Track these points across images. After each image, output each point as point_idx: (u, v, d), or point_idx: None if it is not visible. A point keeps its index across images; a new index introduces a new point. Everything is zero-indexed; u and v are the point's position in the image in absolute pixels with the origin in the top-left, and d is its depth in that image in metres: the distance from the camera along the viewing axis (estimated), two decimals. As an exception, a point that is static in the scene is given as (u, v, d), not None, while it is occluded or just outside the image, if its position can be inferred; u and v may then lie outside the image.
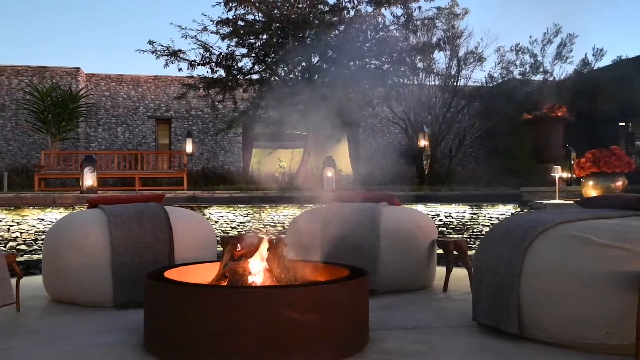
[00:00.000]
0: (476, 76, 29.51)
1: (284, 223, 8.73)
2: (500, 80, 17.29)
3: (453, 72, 16.70)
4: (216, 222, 8.77)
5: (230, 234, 8.42)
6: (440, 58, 17.08)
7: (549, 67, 16.74)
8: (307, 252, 4.60)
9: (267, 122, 14.62)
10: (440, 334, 3.58)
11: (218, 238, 6.47)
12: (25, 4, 47.71)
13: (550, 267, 3.29)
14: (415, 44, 14.56)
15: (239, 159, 19.78)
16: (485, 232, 8.33)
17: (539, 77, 16.82)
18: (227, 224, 8.86)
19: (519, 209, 8.20)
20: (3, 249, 7.61)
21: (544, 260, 3.34)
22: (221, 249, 5.61)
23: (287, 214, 8.88)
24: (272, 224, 8.86)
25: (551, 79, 16.60)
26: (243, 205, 9.12)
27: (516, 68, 17.05)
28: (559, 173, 7.92)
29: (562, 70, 16.87)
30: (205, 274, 3.71)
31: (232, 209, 9.05)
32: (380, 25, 13.82)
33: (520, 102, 15.02)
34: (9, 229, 8.33)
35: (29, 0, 48.21)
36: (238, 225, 8.82)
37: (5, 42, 47.10)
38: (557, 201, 7.63)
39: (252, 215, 8.97)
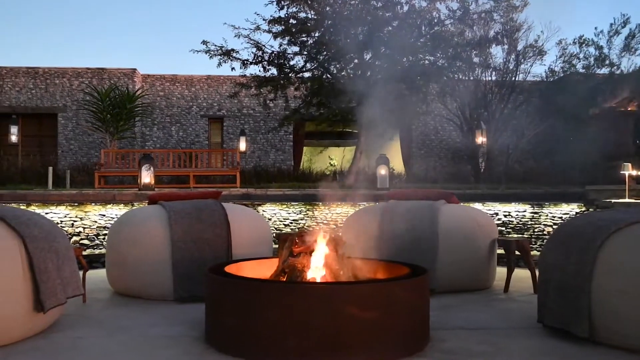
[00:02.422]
0: (536, 70, 28.50)
1: (337, 220, 8.72)
2: (561, 75, 16.66)
3: (511, 67, 16.22)
4: (270, 219, 8.85)
5: (283, 231, 8.49)
6: (497, 52, 16.56)
7: (616, 60, 15.97)
8: (364, 250, 4.55)
9: (319, 120, 14.64)
10: (505, 335, 3.46)
11: (273, 235, 6.50)
12: (84, 7, 49.70)
13: (624, 267, 3.12)
14: (472, 38, 14.24)
15: (290, 157, 19.91)
16: (548, 232, 8.06)
17: (604, 70, 16.08)
18: (281, 221, 8.92)
19: (584, 209, 7.88)
20: (68, 243, 7.88)
21: (617, 260, 3.17)
22: (277, 246, 5.63)
23: (340, 211, 8.86)
24: (325, 221, 8.86)
25: (618, 72, 15.84)
26: (296, 203, 9.16)
27: (579, 61, 16.36)
28: (629, 170, 7.52)
29: (631, 63, 16.03)
30: (263, 269, 3.73)
31: (285, 206, 9.11)
32: (435, 20, 13.59)
33: (583, 97, 14.40)
34: (72, 224, 8.68)
35: (88, 4, 50.20)
36: (291, 223, 8.86)
37: (66, 45, 49.23)
38: (627, 200, 7.26)
39: (305, 213, 9.00)
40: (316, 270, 3.48)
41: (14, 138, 14.87)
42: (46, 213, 8.64)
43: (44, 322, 3.35)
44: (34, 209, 8.77)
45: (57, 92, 19.28)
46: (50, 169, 12.89)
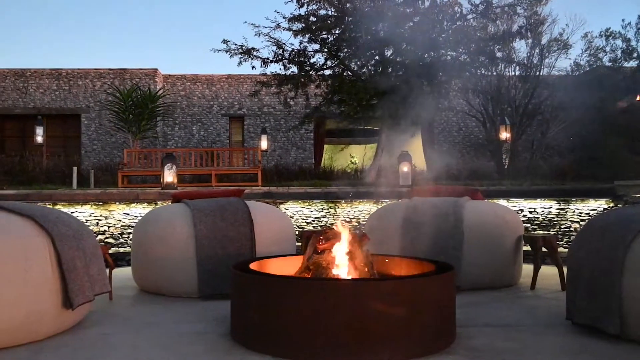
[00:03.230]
0: (560, 64, 27.97)
1: (359, 218, 8.69)
2: (587, 68, 16.37)
3: (535, 61, 15.97)
4: (292, 217, 8.85)
5: (305, 229, 8.49)
6: (521, 47, 16.41)
7: (645, 52, 15.67)
8: (388, 247, 4.53)
9: (340, 118, 14.60)
10: (532, 332, 3.40)
11: (296, 232, 6.51)
12: (105, 8, 50.37)
13: (657, 263, 3.04)
14: (495, 32, 14.05)
15: (310, 155, 19.92)
16: (575, 228, 7.93)
17: (632, 63, 15.76)
18: (303, 219, 8.92)
19: (612, 204, 7.73)
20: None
21: (650, 256, 3.08)
22: (300, 243, 5.63)
23: (362, 209, 8.83)
24: (347, 219, 8.84)
25: (647, 64, 15.52)
26: (318, 201, 9.15)
27: (606, 54, 16.09)
28: (658, 165, 7.37)
29: (660, 55, 15.72)
30: (287, 267, 3.72)
31: (307, 204, 9.10)
32: (457, 15, 13.44)
33: (610, 91, 14.11)
34: (97, 222, 8.80)
35: (109, 5, 50.86)
36: (313, 221, 8.86)
37: (88, 46, 49.97)
38: (657, 195, 7.10)
39: (327, 211, 8.99)
40: (340, 267, 3.47)
41: (39, 139, 15.15)
42: (72, 212, 8.76)
43: (73, 318, 3.40)
44: (60, 208, 8.91)
45: (80, 93, 19.57)
46: (75, 168, 13.08)
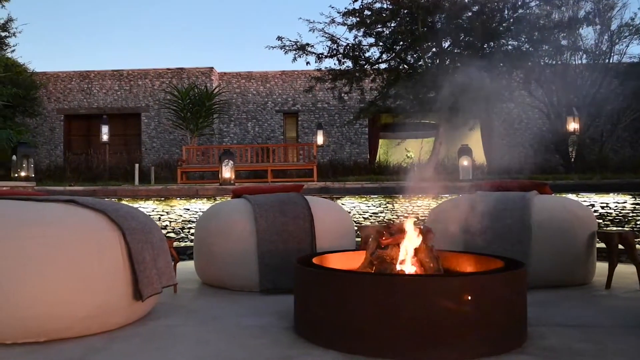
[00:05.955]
0: (632, 51, 26.55)
1: (418, 214, 8.53)
2: (662, 54, 15.46)
3: (604, 49, 15.20)
4: (349, 212, 8.79)
5: (363, 224, 8.41)
6: (588, 34, 15.68)
7: None
8: (451, 242, 4.40)
9: (396, 112, 14.39)
10: (610, 333, 3.21)
11: (356, 227, 6.45)
12: (164, 11, 51.82)
13: None
14: (559, 20, 13.42)
15: (365, 150, 19.78)
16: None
17: None
18: (360, 214, 8.84)
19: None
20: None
21: None
22: (359, 239, 5.57)
23: (421, 204, 8.66)
24: (406, 214, 8.69)
25: None
26: (375, 196, 9.04)
27: (683, 39, 15.12)
28: None
29: None
30: (348, 261, 3.68)
31: (364, 199, 9.02)
32: (519, 3, 12.93)
33: None
34: (159, 218, 9.02)
35: (168, 7, 52.28)
36: (371, 216, 8.77)
37: (147, 47, 51.56)
38: None
39: (384, 206, 8.87)
40: (405, 262, 3.39)
41: (105, 137, 15.74)
42: (137, 207, 9.02)
43: (142, 310, 3.48)
44: (126, 203, 9.19)
45: (140, 92, 20.17)
46: (137, 165, 13.50)
